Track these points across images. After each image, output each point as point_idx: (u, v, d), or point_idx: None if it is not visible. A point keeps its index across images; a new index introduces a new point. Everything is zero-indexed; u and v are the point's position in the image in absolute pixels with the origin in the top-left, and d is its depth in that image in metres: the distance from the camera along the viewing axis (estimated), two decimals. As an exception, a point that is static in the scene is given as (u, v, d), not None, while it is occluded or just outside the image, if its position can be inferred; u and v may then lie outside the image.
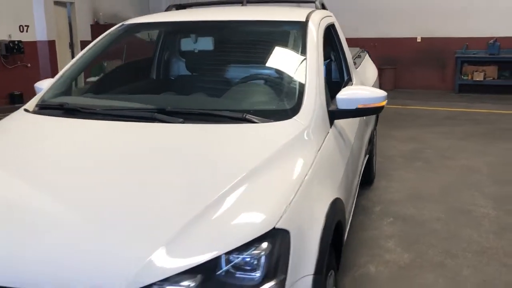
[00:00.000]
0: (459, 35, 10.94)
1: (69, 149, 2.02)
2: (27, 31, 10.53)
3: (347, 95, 2.30)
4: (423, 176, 4.89)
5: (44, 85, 2.77)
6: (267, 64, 2.65)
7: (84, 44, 13.03)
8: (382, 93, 2.35)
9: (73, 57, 12.77)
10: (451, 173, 4.97)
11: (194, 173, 1.74)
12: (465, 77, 10.83)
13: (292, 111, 2.14)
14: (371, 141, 3.91)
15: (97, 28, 13.07)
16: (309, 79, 2.30)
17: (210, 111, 2.16)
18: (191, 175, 1.73)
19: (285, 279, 1.47)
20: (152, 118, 2.12)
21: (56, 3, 11.80)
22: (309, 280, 1.57)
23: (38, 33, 10.93)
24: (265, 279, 1.43)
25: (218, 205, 1.54)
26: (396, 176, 4.83)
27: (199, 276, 1.37)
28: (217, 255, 1.40)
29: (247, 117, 2.07)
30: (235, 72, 2.75)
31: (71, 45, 12.93)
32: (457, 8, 10.79)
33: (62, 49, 12.50)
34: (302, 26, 2.65)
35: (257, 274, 1.43)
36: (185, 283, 1.36)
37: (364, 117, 3.10)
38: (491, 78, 10.68)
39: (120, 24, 3.05)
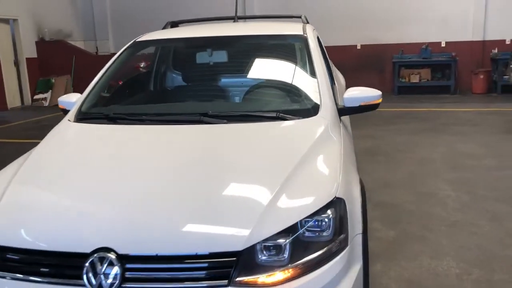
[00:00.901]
0: (395, 41, 11.92)
1: (143, 148, 2.34)
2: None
3: (352, 95, 2.76)
4: (387, 168, 5.49)
5: (70, 99, 3.04)
6: (282, 71, 3.08)
7: (30, 61, 12.86)
8: (378, 92, 2.84)
9: (19, 74, 12.55)
10: (411, 164, 5.61)
11: (259, 160, 2.12)
12: (403, 80, 11.83)
13: (314, 110, 2.56)
14: None
15: (42, 45, 12.90)
16: (320, 82, 2.75)
17: (247, 112, 2.55)
18: (257, 162, 2.11)
19: (347, 235, 1.88)
20: (200, 120, 2.47)
21: (-3, 20, 11.56)
22: (359, 237, 1.99)
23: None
24: (334, 235, 1.83)
25: (289, 183, 1.93)
26: (364, 169, 5.37)
27: (289, 236, 1.75)
28: (299, 219, 1.79)
29: (280, 115, 2.48)
30: (251, 79, 3.14)
31: (16, 63, 12.67)
32: (393, 17, 11.77)
33: (6, 67, 12.23)
34: (303, 38, 3.10)
35: (329, 232, 1.83)
36: (280, 241, 1.73)
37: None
38: (426, 80, 11.73)
39: (132, 41, 3.35)
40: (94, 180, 2.07)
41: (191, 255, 1.66)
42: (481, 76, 11.44)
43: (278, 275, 1.69)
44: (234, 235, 1.70)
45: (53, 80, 12.60)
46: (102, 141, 2.47)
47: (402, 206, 4.28)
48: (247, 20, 4.08)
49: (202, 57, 3.34)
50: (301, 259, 1.74)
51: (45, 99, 12.40)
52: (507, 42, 11.50)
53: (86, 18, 14.39)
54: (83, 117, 2.76)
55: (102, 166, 2.20)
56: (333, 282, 1.76)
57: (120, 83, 3.45)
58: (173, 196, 1.90)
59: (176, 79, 3.38)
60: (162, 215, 1.80)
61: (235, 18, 3.90)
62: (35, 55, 12.85)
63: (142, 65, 11.73)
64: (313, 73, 2.83)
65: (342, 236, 1.87)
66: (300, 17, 3.84)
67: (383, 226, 3.86)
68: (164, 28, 3.89)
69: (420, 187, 4.74)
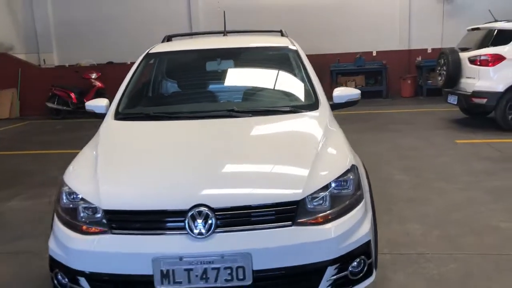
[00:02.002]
0: (332, 51, 13.00)
1: (195, 134, 2.97)
2: None
3: (340, 93, 3.52)
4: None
5: (98, 103, 3.55)
6: (284, 76, 3.78)
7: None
8: (358, 91, 3.62)
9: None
10: (363, 156, 6.38)
11: (290, 140, 2.80)
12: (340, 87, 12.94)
13: (315, 105, 3.29)
14: None
15: (-19, 59, 12.65)
16: (315, 83, 3.48)
17: (266, 108, 3.23)
18: (289, 141, 2.79)
19: (362, 191, 2.59)
20: (229, 115, 3.11)
21: None
22: (368, 194, 2.70)
23: None
24: (354, 191, 2.53)
25: (319, 156, 2.61)
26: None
27: (328, 191, 2.43)
28: (332, 179, 2.47)
29: (291, 109, 3.17)
30: (258, 82, 3.79)
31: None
32: (331, 29, 12.84)
33: None
34: (294, 49, 3.83)
35: (350, 189, 2.52)
36: (322, 194, 2.40)
37: None
38: (361, 86, 12.89)
39: (145, 53, 3.90)
40: (170, 157, 2.69)
41: (266, 204, 2.30)
42: (409, 81, 12.80)
43: (322, 218, 2.36)
44: (294, 191, 2.35)
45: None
46: (158, 130, 3.06)
47: (367, 188, 5.09)
48: (229, 34, 4.68)
49: (212, 65, 3.95)
50: (335, 207, 2.42)
51: (-10, 112, 12.22)
52: (429, 51, 12.94)
53: (28, 31, 14.23)
54: (123, 116, 3.28)
55: (170, 147, 2.82)
56: (358, 223, 2.45)
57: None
58: (241, 165, 2.54)
59: (191, 84, 3.95)
60: (239, 178, 2.45)
61: (224, 33, 4.54)
62: (-26, 69, 12.59)
63: (93, 76, 11.95)
64: (308, 77, 3.56)
65: (359, 191, 2.57)
66: (279, 31, 4.56)
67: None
68: (163, 41, 4.45)
69: (378, 174, 5.57)
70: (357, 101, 3.61)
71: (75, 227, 2.39)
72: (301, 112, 3.19)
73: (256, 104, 3.48)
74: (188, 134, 2.98)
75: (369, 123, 9.05)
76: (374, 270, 2.57)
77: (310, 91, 3.45)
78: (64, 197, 2.51)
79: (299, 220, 2.31)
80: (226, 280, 2.22)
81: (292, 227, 2.29)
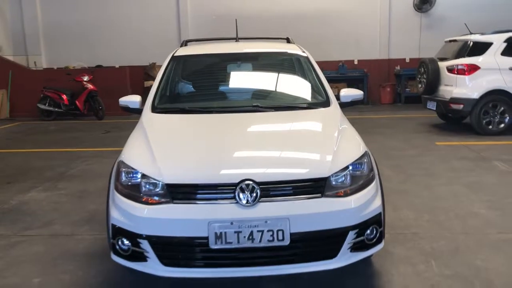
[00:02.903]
0: (316, 59, 13.56)
1: (229, 124, 3.47)
2: None
3: (346, 93, 4.04)
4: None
5: (131, 99, 3.99)
6: (299, 77, 4.29)
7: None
8: (361, 92, 4.15)
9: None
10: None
11: (313, 129, 3.30)
12: (324, 93, 13.57)
13: (327, 103, 3.80)
14: None
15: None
16: (326, 85, 4.00)
17: (287, 104, 3.74)
18: (312, 130, 3.29)
19: (374, 173, 3.11)
20: (256, 110, 3.59)
21: None
22: (377, 175, 3.21)
23: None
24: (368, 172, 3.04)
25: (339, 143, 3.12)
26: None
27: (347, 171, 2.93)
28: (350, 163, 2.97)
29: (309, 106, 3.68)
30: (273, 82, 4.29)
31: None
32: (314, 38, 13.43)
33: None
34: (305, 55, 4.35)
35: (365, 169, 3.03)
36: (343, 173, 2.89)
37: None
38: (343, 93, 13.54)
39: (170, 56, 4.36)
40: (214, 140, 3.20)
41: (300, 179, 2.79)
42: (388, 89, 13.53)
43: (344, 192, 2.86)
44: (322, 170, 2.84)
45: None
46: (197, 121, 3.55)
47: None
48: (240, 40, 5.16)
49: (233, 67, 4.43)
50: (353, 184, 2.92)
51: (-20, 113, 12.33)
52: (407, 61, 13.71)
53: (16, 32, 14.41)
54: (160, 110, 3.72)
55: (212, 133, 3.32)
56: (372, 198, 2.96)
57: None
58: (276, 148, 3.06)
59: (215, 83, 4.39)
60: (277, 158, 2.96)
61: (236, 39, 5.04)
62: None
63: (85, 79, 12.24)
64: (319, 79, 4.08)
65: (372, 172, 3.09)
66: (285, 38, 5.09)
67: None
68: (181, 46, 4.90)
69: (369, 170, 6.14)
70: (361, 101, 4.14)
71: (139, 199, 2.82)
72: (317, 107, 3.71)
73: (276, 101, 3.97)
74: (223, 124, 3.47)
75: (356, 127, 9.62)
76: (383, 239, 3.09)
77: (322, 91, 3.97)
78: (124, 176, 2.95)
79: (326, 193, 2.81)
80: (269, 241, 2.69)
81: (322, 198, 2.79)
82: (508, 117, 8.32)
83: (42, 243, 4.06)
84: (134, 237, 2.80)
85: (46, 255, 3.82)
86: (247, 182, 2.73)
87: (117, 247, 2.91)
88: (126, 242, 2.86)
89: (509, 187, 5.35)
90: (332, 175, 2.86)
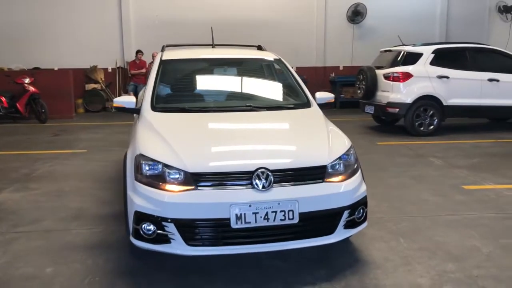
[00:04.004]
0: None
1: (229, 120, 3.87)
2: None
3: (321, 96, 4.58)
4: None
5: (126, 100, 4.27)
6: (280, 81, 4.77)
7: None
8: (333, 95, 4.72)
9: None
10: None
11: (305, 126, 3.80)
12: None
13: (309, 103, 4.33)
14: None
15: None
16: (303, 87, 4.53)
17: (275, 104, 4.23)
18: (302, 126, 3.80)
19: (358, 163, 3.66)
20: (249, 110, 4.03)
21: None
22: (360, 167, 3.78)
23: None
24: (355, 161, 3.59)
25: (330, 137, 3.64)
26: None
27: (340, 160, 3.46)
28: (342, 153, 3.50)
29: (296, 106, 4.20)
30: (258, 84, 4.74)
31: None
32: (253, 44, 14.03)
33: None
34: (281, 60, 4.86)
35: (352, 159, 3.58)
36: (337, 162, 3.42)
37: None
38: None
39: (159, 60, 4.67)
40: (225, 134, 3.67)
41: (305, 167, 3.28)
42: (324, 95, 14.42)
43: (339, 178, 3.39)
44: (322, 159, 3.36)
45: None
46: (200, 118, 3.91)
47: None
48: (216, 46, 5.55)
49: (220, 71, 4.83)
50: (345, 172, 3.46)
51: None
52: (341, 68, 14.73)
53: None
54: (160, 110, 4.04)
55: (220, 128, 3.76)
56: (359, 183, 3.52)
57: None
58: (280, 141, 3.53)
59: (207, 85, 4.74)
60: (284, 149, 3.45)
61: (212, 45, 5.44)
62: None
63: (26, 81, 11.95)
64: (298, 83, 4.60)
65: (357, 162, 3.64)
66: (256, 46, 5.57)
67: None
68: (162, 50, 5.21)
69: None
70: (333, 102, 4.71)
71: (163, 187, 3.16)
72: (302, 108, 4.22)
73: (266, 102, 4.44)
74: (226, 121, 3.89)
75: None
76: (367, 219, 3.65)
77: (301, 93, 4.49)
78: (146, 167, 3.27)
79: (326, 179, 3.32)
80: (281, 220, 3.14)
81: (323, 183, 3.30)
82: (436, 120, 9.37)
83: (39, 238, 4.20)
84: (159, 221, 3.14)
85: (49, 248, 3.99)
86: (262, 170, 3.17)
87: (141, 232, 3.22)
88: (150, 226, 3.18)
89: (446, 178, 6.19)
90: (329, 164, 3.38)
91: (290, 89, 4.65)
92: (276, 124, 3.96)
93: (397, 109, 9.32)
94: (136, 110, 4.22)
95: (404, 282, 3.36)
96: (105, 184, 5.92)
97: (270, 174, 3.17)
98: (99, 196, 5.44)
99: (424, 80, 9.26)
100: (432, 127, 9.40)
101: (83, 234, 4.29)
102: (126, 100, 4.29)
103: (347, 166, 3.51)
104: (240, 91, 4.69)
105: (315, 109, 4.27)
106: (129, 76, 13.66)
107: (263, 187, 3.15)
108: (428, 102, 9.31)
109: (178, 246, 3.15)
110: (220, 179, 3.17)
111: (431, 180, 6.07)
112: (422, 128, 9.38)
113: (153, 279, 3.42)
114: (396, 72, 9.35)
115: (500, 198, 5.30)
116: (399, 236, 4.20)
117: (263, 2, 14.30)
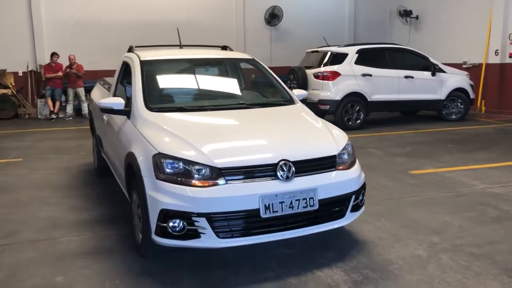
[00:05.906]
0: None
1: (232, 117, 3.99)
2: None
3: (299, 93, 4.84)
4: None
5: (116, 101, 4.17)
6: (260, 80, 4.93)
7: None
8: (307, 92, 5.03)
9: None
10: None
11: (294, 121, 4.05)
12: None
13: (292, 100, 4.57)
14: None
15: None
16: (283, 84, 4.78)
17: (265, 101, 4.42)
18: (297, 120, 4.05)
19: (355, 157, 3.98)
20: (243, 107, 4.19)
21: None
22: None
23: None
24: (353, 153, 3.90)
25: (331, 130, 3.93)
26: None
27: (345, 150, 3.75)
28: (345, 144, 3.80)
29: (283, 103, 4.42)
30: (242, 83, 4.86)
31: None
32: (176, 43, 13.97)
33: None
34: (255, 60, 5.05)
35: (351, 151, 3.88)
36: (342, 152, 3.70)
37: None
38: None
39: (139, 61, 4.59)
40: (239, 130, 3.79)
41: (320, 157, 3.53)
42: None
43: (346, 166, 3.69)
44: (332, 150, 3.64)
45: None
46: (202, 117, 3.95)
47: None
48: (184, 47, 5.57)
49: (202, 71, 4.88)
50: (349, 160, 3.77)
51: None
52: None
53: None
54: (156, 110, 4.01)
55: (231, 124, 3.89)
56: (360, 171, 3.84)
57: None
58: (293, 135, 3.74)
59: (193, 85, 4.73)
60: (300, 142, 3.67)
61: (180, 46, 5.45)
62: None
63: None
64: (277, 81, 4.83)
65: (355, 154, 3.97)
66: (221, 46, 5.69)
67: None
68: (129, 51, 5.11)
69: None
70: (306, 99, 5.02)
71: (191, 184, 3.21)
72: (289, 104, 4.46)
73: (256, 99, 4.61)
74: (230, 118, 3.99)
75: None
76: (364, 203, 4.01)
77: (283, 90, 4.72)
78: (168, 165, 3.29)
79: (336, 168, 3.61)
80: (303, 207, 3.36)
81: (335, 171, 3.58)
82: (362, 114, 10.14)
83: (27, 249, 3.97)
84: (190, 217, 3.19)
85: (45, 257, 3.80)
86: (284, 161, 3.37)
87: (169, 229, 3.24)
88: (179, 223, 3.22)
89: (391, 165, 6.82)
90: (338, 153, 3.67)
91: (272, 87, 4.86)
92: (277, 119, 4.14)
93: (328, 106, 9.93)
94: (126, 112, 4.16)
95: (406, 254, 3.76)
96: (67, 192, 5.65)
97: (291, 165, 3.38)
98: (68, 204, 5.20)
99: (350, 78, 9.96)
100: (359, 121, 10.15)
101: (74, 241, 4.13)
102: (114, 101, 4.19)
103: (350, 155, 3.82)
104: (228, 90, 4.81)
105: (302, 105, 4.53)
106: (43, 80, 12.86)
107: (287, 177, 3.35)
108: (354, 98, 10.04)
109: (208, 240, 3.22)
110: (247, 172, 3.30)
111: (380, 168, 6.64)
112: (350, 123, 10.08)
113: (175, 276, 3.44)
114: (325, 71, 9.96)
115: (445, 179, 5.99)
116: (381, 218, 4.61)
117: (186, 2, 14.31)
